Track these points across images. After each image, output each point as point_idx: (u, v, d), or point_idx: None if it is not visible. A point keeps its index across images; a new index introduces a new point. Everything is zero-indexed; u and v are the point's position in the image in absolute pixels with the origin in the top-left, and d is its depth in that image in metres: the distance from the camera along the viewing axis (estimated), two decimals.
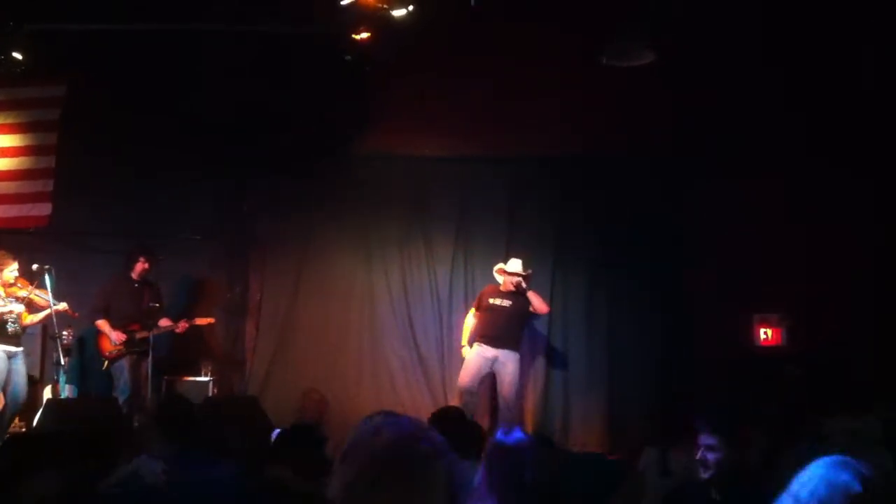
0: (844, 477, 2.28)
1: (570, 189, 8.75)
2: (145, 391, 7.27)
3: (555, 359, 8.53)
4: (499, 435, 3.13)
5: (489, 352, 7.64)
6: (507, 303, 7.73)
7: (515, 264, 7.82)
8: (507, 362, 7.64)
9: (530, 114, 7.54)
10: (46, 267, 6.80)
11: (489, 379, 7.82)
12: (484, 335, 7.71)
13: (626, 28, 6.11)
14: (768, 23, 6.16)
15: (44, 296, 6.83)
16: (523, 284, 7.72)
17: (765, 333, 7.80)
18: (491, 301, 7.76)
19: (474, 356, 7.67)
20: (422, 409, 7.91)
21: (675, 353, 8.20)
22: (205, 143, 8.13)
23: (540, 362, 8.50)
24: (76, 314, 7.17)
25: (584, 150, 8.40)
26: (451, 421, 4.35)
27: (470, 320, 8.01)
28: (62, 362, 6.77)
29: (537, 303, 7.82)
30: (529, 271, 7.81)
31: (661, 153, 8.28)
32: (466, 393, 7.58)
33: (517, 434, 3.11)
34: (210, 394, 7.71)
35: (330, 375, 8.32)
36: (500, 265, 7.91)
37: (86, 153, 7.78)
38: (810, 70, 6.66)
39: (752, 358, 7.76)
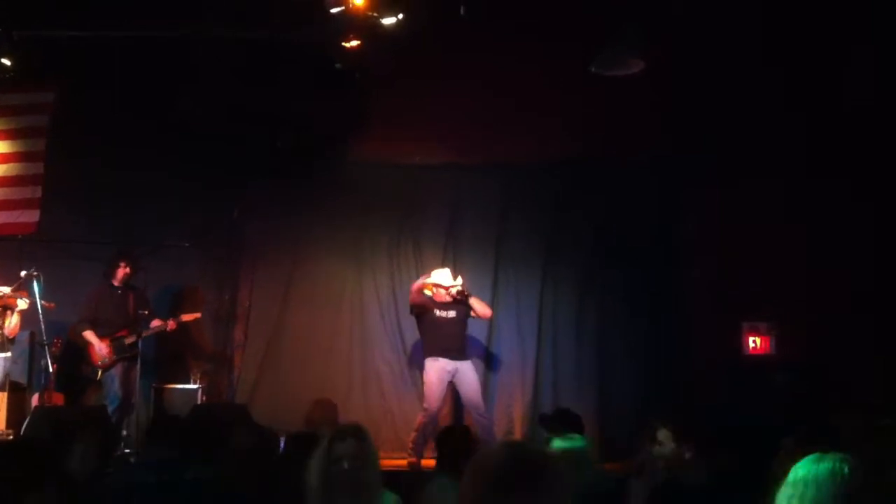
0: (826, 466, 2.24)
1: (564, 193, 8.76)
2: (135, 398, 7.23)
3: (544, 364, 8.52)
4: None
5: (449, 365, 7.43)
6: (452, 313, 7.58)
7: (446, 275, 7.71)
8: (467, 371, 7.51)
9: (523, 118, 7.51)
10: (35, 273, 6.77)
11: (447, 394, 7.65)
12: (441, 349, 7.48)
13: (620, 34, 6.10)
14: (768, 23, 6.13)
15: (20, 297, 6.75)
16: (465, 293, 7.62)
17: (753, 342, 7.79)
18: (437, 314, 7.57)
19: (435, 374, 7.42)
20: (410, 415, 7.93)
21: (666, 357, 8.20)
22: (194, 149, 8.08)
23: (529, 368, 8.50)
24: (52, 304, 7.04)
25: (579, 153, 8.38)
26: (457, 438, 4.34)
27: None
28: (51, 369, 6.74)
29: (481, 308, 7.75)
30: (459, 279, 7.71)
31: (657, 156, 8.27)
32: (431, 421, 7.29)
33: None
34: (198, 401, 7.67)
35: (319, 382, 8.26)
36: (426, 280, 7.72)
37: (73, 159, 7.75)
38: (810, 70, 6.62)
39: (740, 365, 7.76)
